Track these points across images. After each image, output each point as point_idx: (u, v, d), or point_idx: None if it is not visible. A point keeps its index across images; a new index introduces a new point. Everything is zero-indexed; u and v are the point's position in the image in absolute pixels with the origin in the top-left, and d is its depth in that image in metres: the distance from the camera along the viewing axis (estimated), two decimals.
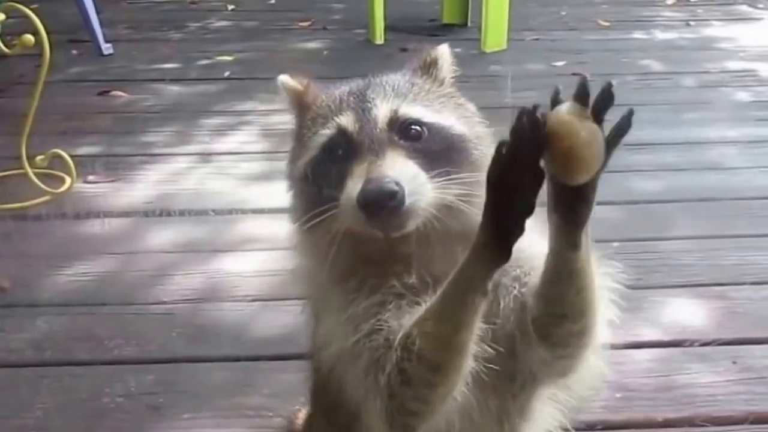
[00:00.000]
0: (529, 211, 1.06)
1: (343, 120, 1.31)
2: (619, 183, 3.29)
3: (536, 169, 1.04)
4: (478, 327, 1.17)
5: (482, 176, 1.09)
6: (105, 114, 4.25)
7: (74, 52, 5.20)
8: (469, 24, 5.85)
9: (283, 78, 1.49)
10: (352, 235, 1.24)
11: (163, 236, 3.02)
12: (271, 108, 4.15)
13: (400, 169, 1.22)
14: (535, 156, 1.04)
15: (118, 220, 3.15)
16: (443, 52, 1.48)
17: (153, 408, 2.16)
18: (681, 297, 2.62)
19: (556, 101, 1.08)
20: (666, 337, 2.43)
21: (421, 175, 1.24)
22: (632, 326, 2.42)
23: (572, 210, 1.12)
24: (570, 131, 1.03)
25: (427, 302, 1.19)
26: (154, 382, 2.26)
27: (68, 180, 3.31)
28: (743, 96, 4.54)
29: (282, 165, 3.58)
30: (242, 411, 2.15)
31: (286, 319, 2.50)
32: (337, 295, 1.30)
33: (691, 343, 2.39)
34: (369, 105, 1.33)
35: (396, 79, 1.41)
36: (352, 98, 1.35)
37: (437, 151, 1.30)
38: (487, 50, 5.25)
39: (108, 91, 4.48)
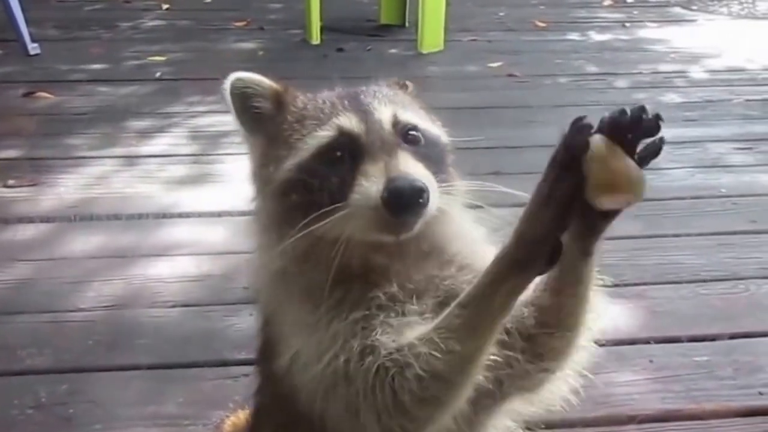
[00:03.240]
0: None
1: (345, 121, 1.28)
2: None
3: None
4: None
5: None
6: (29, 116, 4.14)
7: None
8: (406, 25, 5.87)
9: (248, 75, 1.38)
10: (339, 244, 1.20)
11: (84, 242, 2.95)
12: (201, 110, 4.11)
13: (417, 170, 1.20)
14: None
15: (38, 225, 3.07)
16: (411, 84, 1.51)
17: (64, 419, 2.10)
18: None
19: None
20: None
21: (431, 177, 1.23)
22: None
23: (594, 221, 1.13)
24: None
25: (441, 317, 1.16)
26: (67, 392, 2.20)
27: None
28: (673, 97, 4.62)
29: (211, 168, 3.53)
30: (156, 420, 2.11)
31: (206, 324, 2.48)
32: (312, 311, 1.24)
33: (608, 343, 2.39)
34: (369, 108, 1.31)
35: (379, 89, 1.40)
36: (346, 101, 1.32)
37: (432, 157, 1.29)
38: (424, 51, 5.26)
39: (33, 93, 4.36)
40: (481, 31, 5.88)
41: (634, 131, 1.08)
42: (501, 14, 6.38)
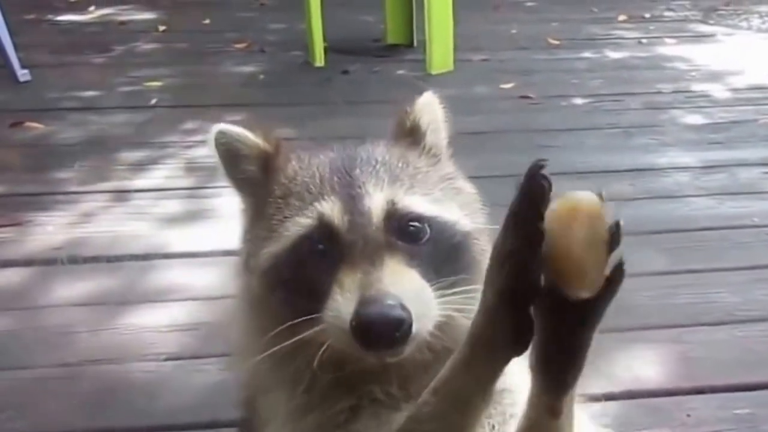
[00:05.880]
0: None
1: (327, 208, 1.08)
2: None
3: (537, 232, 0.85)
4: None
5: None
6: (14, 148, 3.93)
7: None
8: (414, 44, 5.67)
9: (233, 129, 1.20)
10: (321, 353, 1.03)
11: (70, 287, 2.73)
12: (199, 139, 3.91)
13: (404, 286, 0.99)
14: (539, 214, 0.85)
15: (20, 270, 2.85)
16: (425, 106, 1.24)
17: None
18: (632, 342, 2.41)
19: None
20: (616, 389, 2.22)
21: (427, 291, 1.02)
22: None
23: (558, 364, 0.92)
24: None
25: (413, 409, 0.99)
26: None
27: None
28: (696, 118, 4.41)
29: (208, 203, 3.34)
30: None
31: (204, 380, 2.26)
32: (293, 398, 1.10)
33: (641, 395, 2.22)
34: (360, 191, 1.09)
35: (386, 154, 1.17)
36: (336, 178, 1.11)
37: (440, 253, 1.08)
38: (434, 72, 5.06)
39: (21, 123, 4.14)
40: (492, 50, 5.68)
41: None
42: (513, 32, 6.20)
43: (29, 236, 3.08)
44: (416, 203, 1.11)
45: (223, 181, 3.41)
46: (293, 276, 1.07)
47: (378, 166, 1.14)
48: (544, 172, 0.84)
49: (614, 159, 3.78)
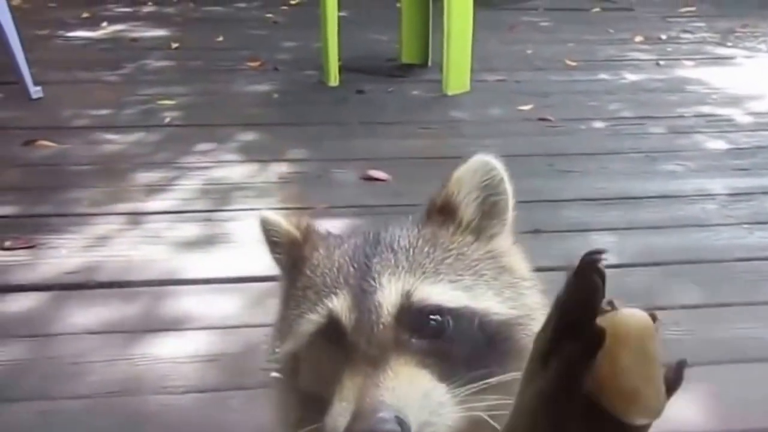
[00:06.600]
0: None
1: (337, 304, 1.00)
2: (587, 243, 3.01)
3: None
4: None
5: None
6: (27, 167, 3.83)
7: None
8: (429, 64, 5.60)
9: (271, 216, 1.17)
10: None
11: (84, 315, 2.64)
12: (213, 160, 3.84)
13: (406, 392, 0.91)
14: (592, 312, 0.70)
15: (34, 294, 2.76)
16: (467, 176, 1.12)
17: None
18: None
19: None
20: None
21: (437, 393, 0.93)
22: None
23: None
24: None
25: None
26: None
27: None
28: (719, 143, 4.32)
29: (225, 227, 3.26)
30: None
31: (226, 415, 2.17)
32: None
33: None
34: (372, 285, 1.00)
35: (412, 237, 1.07)
36: (352, 269, 1.03)
37: (467, 346, 0.99)
38: (449, 93, 4.97)
39: (34, 141, 4.05)
40: (508, 70, 5.61)
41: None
42: (528, 52, 6.13)
43: (42, 259, 2.99)
44: (437, 293, 1.02)
45: (241, 204, 3.36)
46: (306, 377, 1.02)
47: (399, 253, 1.06)
48: (600, 266, 0.71)
49: (638, 185, 3.70)
